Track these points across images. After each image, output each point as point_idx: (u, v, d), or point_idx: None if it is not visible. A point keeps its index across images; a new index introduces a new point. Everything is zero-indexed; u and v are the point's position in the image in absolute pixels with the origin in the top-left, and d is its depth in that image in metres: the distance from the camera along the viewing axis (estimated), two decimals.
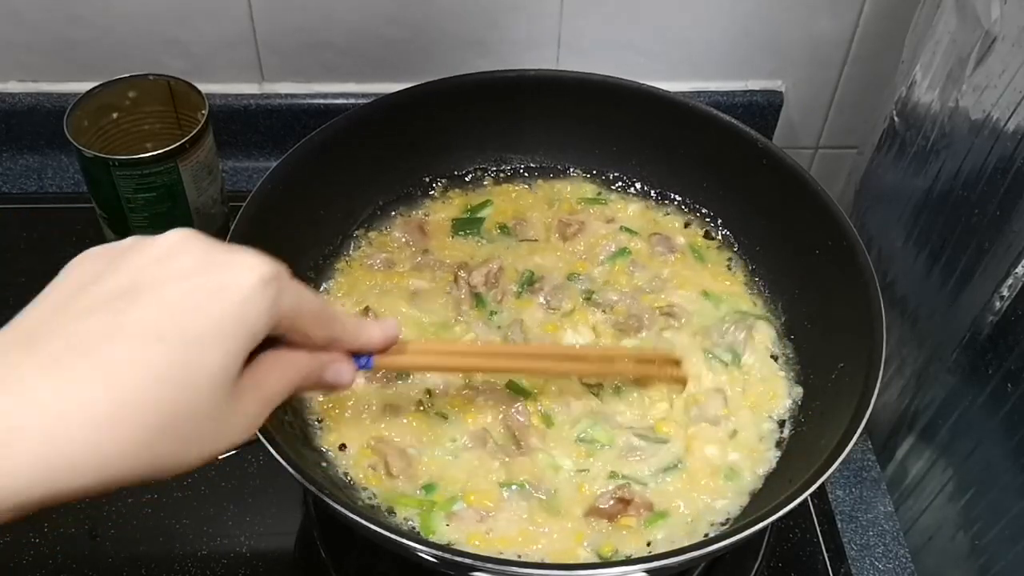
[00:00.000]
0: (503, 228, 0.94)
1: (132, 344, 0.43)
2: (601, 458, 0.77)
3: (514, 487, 0.74)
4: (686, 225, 0.95)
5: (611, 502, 0.73)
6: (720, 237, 0.94)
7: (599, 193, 0.98)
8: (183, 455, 0.46)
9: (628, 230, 0.94)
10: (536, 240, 0.93)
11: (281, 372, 0.52)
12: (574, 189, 0.98)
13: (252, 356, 0.49)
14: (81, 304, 0.45)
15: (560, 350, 0.82)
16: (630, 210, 0.96)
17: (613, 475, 0.76)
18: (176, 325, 0.44)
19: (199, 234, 0.48)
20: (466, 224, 0.94)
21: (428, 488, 0.74)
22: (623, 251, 0.92)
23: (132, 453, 0.43)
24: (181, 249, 0.47)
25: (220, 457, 0.49)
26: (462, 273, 0.88)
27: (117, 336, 0.43)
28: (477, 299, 0.86)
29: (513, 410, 0.78)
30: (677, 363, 0.82)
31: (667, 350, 0.83)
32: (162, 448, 0.44)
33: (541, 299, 0.87)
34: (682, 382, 0.81)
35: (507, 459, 0.76)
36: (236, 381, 0.47)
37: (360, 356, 0.59)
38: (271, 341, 0.51)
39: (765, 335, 0.86)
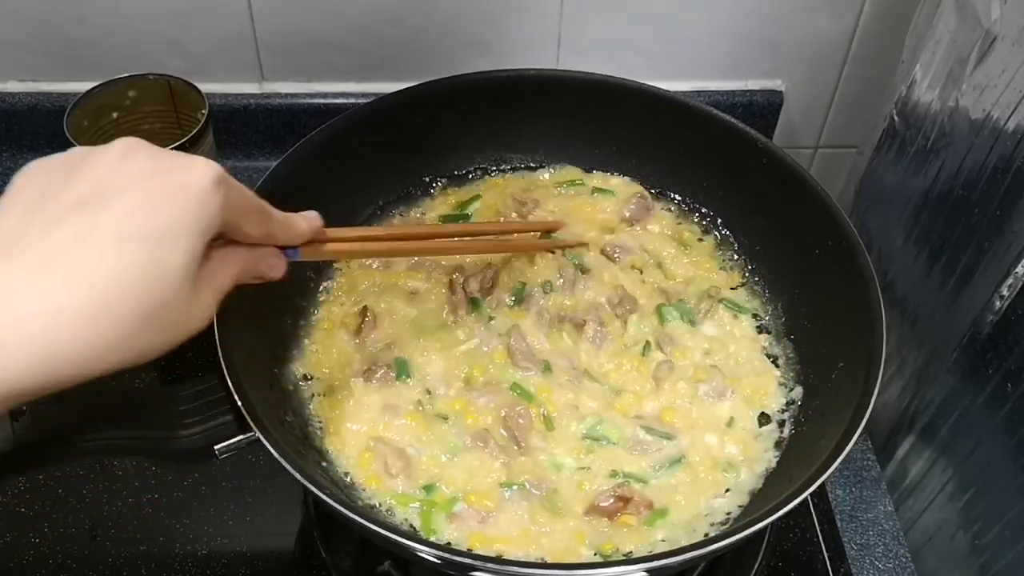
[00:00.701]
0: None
1: (105, 246, 0.47)
2: (602, 455, 0.77)
3: (515, 487, 0.74)
4: (678, 223, 0.96)
5: (611, 500, 0.73)
6: (717, 236, 0.94)
7: (579, 179, 0.98)
8: (159, 341, 0.51)
9: (602, 190, 0.96)
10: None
11: (228, 265, 0.57)
12: (556, 175, 0.98)
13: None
14: (51, 212, 0.48)
15: (465, 228, 0.91)
16: (612, 182, 0.98)
17: (614, 473, 0.76)
18: (143, 225, 0.48)
19: (142, 141, 0.52)
20: (453, 220, 0.94)
21: (428, 488, 0.74)
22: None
23: (118, 343, 0.48)
24: (133, 154, 0.51)
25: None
26: (457, 276, 0.87)
27: (90, 240, 0.47)
28: (473, 303, 0.86)
29: (515, 412, 0.78)
30: (559, 227, 0.91)
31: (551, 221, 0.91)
32: (143, 336, 0.49)
33: (533, 314, 0.86)
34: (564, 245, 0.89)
35: (508, 459, 0.76)
36: (196, 273, 0.52)
37: (288, 248, 0.64)
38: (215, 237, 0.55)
39: (747, 326, 0.87)
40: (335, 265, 0.90)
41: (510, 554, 0.71)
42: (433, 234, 0.88)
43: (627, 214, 0.94)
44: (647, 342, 0.84)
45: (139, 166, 0.50)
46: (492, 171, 0.99)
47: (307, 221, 0.65)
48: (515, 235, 0.91)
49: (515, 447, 0.77)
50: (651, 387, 0.82)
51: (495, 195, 0.97)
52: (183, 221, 0.50)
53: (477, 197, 0.96)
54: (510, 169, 0.99)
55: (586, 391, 0.81)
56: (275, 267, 0.62)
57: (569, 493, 0.75)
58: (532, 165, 0.99)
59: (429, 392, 0.80)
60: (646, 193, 0.96)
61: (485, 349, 0.83)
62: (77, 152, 0.52)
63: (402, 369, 0.81)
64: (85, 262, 0.47)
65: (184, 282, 0.50)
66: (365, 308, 0.85)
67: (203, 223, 0.51)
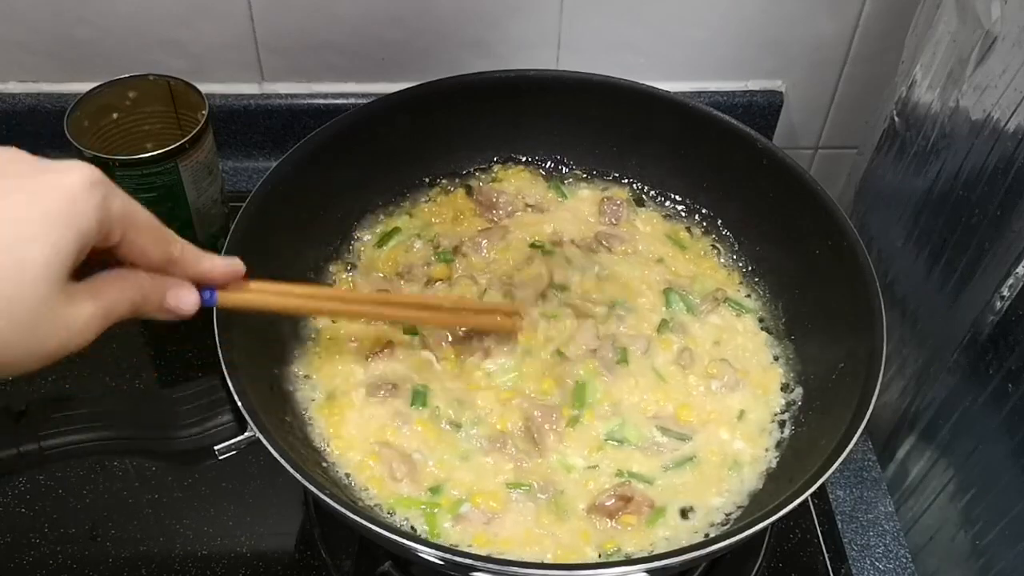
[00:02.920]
0: None
1: None
2: (613, 455, 0.77)
3: (521, 489, 0.74)
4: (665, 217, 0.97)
5: (612, 500, 0.73)
6: (717, 236, 0.94)
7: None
8: (12, 348, 0.48)
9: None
10: None
11: (121, 286, 0.54)
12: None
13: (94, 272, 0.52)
14: None
15: (413, 299, 0.84)
16: (581, 193, 0.98)
17: (620, 472, 0.76)
18: (3, 217, 0.47)
19: (24, 152, 0.51)
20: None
21: (434, 490, 0.74)
22: None
23: None
24: (11, 159, 0.50)
25: (67, 351, 0.51)
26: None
27: None
28: None
29: (537, 412, 0.77)
30: (518, 314, 0.83)
31: (510, 304, 0.85)
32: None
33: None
34: (518, 330, 0.82)
35: (524, 460, 0.76)
36: (67, 282, 0.49)
37: (205, 289, 0.59)
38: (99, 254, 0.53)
39: (750, 323, 0.88)
40: (333, 273, 0.89)
41: (514, 554, 0.71)
42: (372, 300, 0.81)
43: (603, 219, 0.94)
44: (663, 320, 0.85)
45: (16, 169, 0.50)
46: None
47: (225, 260, 0.61)
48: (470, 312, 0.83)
49: (534, 448, 0.76)
50: (680, 374, 0.82)
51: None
52: (48, 218, 0.48)
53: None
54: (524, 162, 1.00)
55: (641, 383, 0.81)
56: (183, 300, 0.58)
57: (575, 493, 0.75)
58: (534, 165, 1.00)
59: (450, 411, 0.79)
60: (612, 196, 0.96)
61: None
62: None
63: (417, 398, 0.79)
64: None
65: (44, 281, 0.48)
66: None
67: (73, 223, 0.49)
